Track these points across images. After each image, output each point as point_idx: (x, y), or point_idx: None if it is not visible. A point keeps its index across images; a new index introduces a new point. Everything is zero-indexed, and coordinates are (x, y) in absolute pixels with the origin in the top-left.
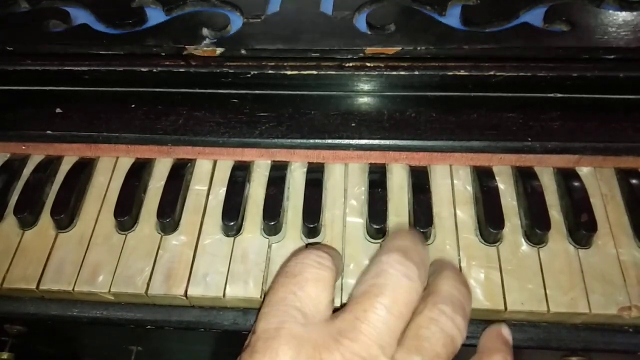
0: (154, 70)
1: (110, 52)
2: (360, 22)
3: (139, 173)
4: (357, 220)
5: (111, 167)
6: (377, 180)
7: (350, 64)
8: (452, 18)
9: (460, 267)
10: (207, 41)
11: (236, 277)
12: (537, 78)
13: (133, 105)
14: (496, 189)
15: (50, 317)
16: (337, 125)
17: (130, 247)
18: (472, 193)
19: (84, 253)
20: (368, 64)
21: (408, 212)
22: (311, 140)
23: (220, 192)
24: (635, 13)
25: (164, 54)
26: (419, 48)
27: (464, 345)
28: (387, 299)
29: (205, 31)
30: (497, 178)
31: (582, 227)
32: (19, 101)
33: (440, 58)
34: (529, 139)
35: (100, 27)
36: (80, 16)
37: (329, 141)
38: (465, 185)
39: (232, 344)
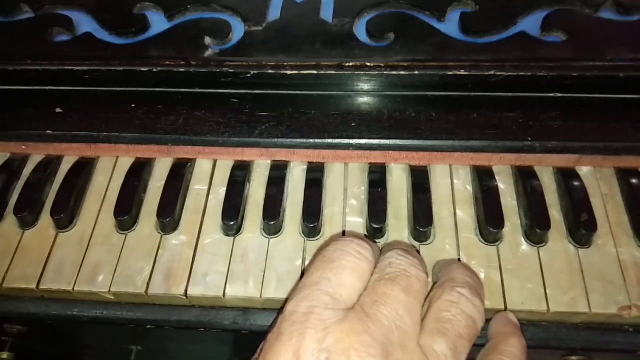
0: (154, 70)
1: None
2: (360, 29)
3: (139, 173)
4: (357, 220)
5: (111, 167)
6: (377, 180)
7: (350, 64)
8: (451, 24)
9: None
10: (209, 51)
11: (236, 276)
12: (537, 78)
13: (133, 105)
14: (496, 188)
15: (50, 317)
16: (337, 125)
17: (130, 247)
18: (472, 193)
19: (84, 253)
20: (368, 64)
21: (408, 211)
22: (311, 140)
23: (220, 191)
24: (632, 18)
25: (167, 62)
26: (417, 59)
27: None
28: (404, 282)
29: (207, 40)
30: (497, 178)
31: (582, 227)
32: (19, 101)
33: (440, 58)
34: (529, 139)
35: (103, 35)
36: (83, 21)
37: (329, 141)
38: (465, 185)
39: (232, 344)
